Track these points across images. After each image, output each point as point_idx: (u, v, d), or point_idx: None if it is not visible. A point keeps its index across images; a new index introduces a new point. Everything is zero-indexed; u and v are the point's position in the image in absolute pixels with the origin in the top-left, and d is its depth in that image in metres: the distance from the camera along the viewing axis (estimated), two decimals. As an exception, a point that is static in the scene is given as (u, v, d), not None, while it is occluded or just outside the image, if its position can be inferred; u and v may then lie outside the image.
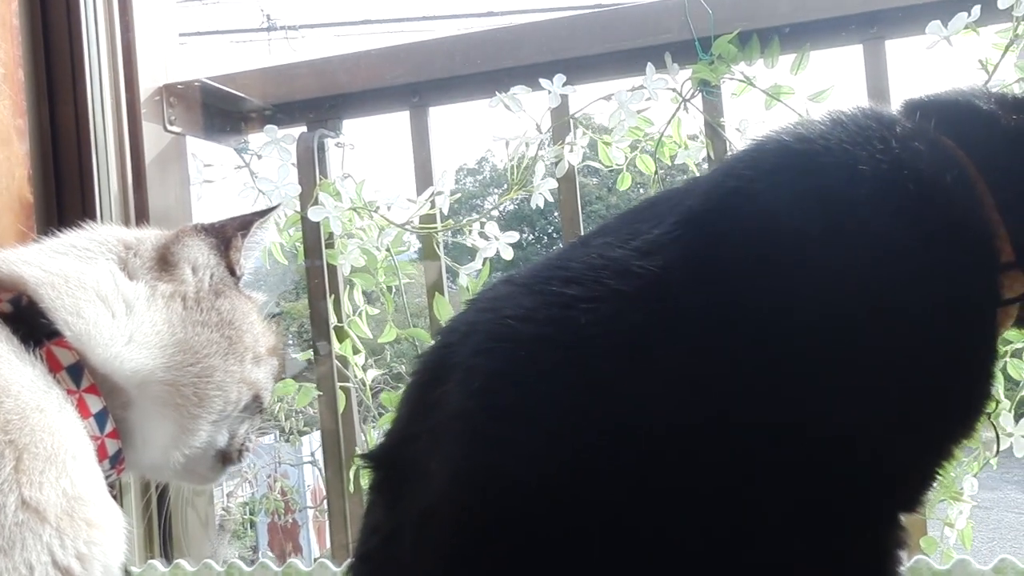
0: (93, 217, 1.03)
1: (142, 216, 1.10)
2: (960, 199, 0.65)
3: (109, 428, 0.64)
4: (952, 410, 0.65)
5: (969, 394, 0.65)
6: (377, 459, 0.74)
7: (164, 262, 0.71)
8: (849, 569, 0.62)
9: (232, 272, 0.74)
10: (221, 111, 1.26)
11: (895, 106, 0.77)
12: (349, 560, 0.78)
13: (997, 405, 1.02)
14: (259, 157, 1.27)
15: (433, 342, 0.77)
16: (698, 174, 1.20)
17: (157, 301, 0.68)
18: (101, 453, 0.64)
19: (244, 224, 0.76)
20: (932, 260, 0.64)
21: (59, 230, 0.97)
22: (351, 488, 1.18)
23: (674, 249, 0.64)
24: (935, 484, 0.68)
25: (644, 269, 0.64)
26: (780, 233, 0.63)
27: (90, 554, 0.59)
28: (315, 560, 1.00)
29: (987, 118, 0.68)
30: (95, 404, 0.64)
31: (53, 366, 0.62)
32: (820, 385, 0.59)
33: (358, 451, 1.13)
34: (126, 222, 1.07)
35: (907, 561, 0.78)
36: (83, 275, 0.66)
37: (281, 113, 1.29)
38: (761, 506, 0.59)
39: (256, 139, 1.33)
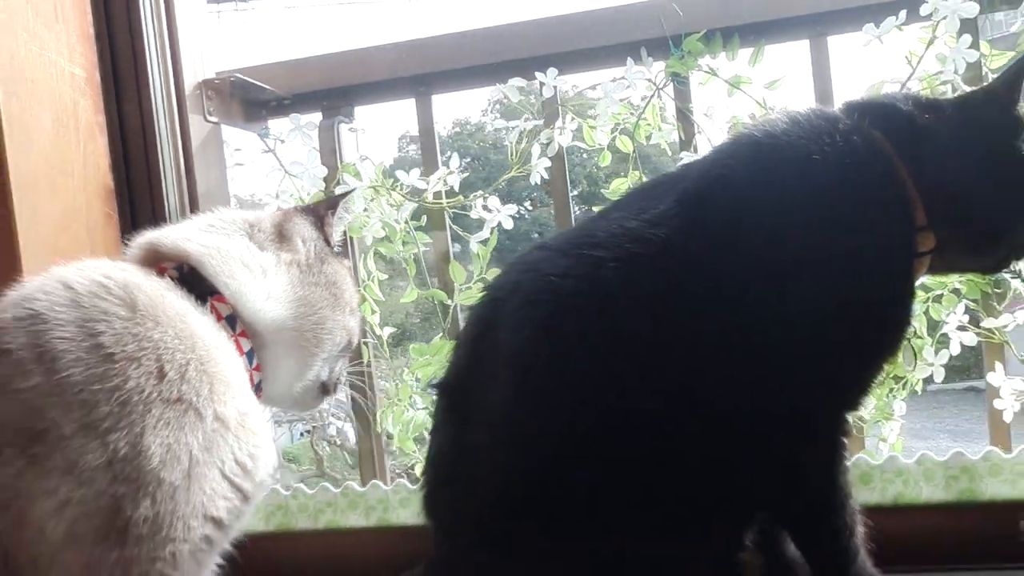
0: (159, 201, 1.23)
1: (192, 197, 1.29)
2: (888, 180, 0.90)
3: (254, 363, 0.86)
4: (882, 333, 0.91)
5: (895, 321, 0.91)
6: (445, 387, 0.97)
7: (281, 236, 0.92)
8: (817, 442, 0.88)
9: (327, 243, 0.96)
10: (246, 101, 1.45)
11: (838, 105, 1.01)
12: (422, 469, 1.01)
13: (920, 341, 1.30)
14: (282, 142, 1.47)
15: (481, 297, 0.99)
16: (669, 152, 1.44)
17: (281, 267, 0.90)
18: (250, 383, 0.85)
19: (331, 205, 0.98)
20: (869, 223, 0.89)
21: (132, 213, 1.18)
22: (378, 429, 1.40)
23: (676, 221, 0.89)
24: (870, 391, 0.94)
25: (655, 236, 0.88)
26: (755, 208, 0.88)
27: (257, 455, 0.82)
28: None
29: (906, 117, 0.94)
30: (246, 345, 0.85)
31: (217, 317, 0.84)
32: (791, 315, 0.84)
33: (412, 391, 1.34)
34: (181, 203, 1.26)
35: (851, 458, 1.04)
36: (229, 248, 0.87)
37: (299, 102, 1.48)
38: (756, 401, 0.84)
39: (276, 125, 1.53)
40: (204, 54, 1.37)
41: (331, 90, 1.48)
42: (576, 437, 0.86)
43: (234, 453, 0.79)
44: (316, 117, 1.48)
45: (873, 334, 0.90)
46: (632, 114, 1.41)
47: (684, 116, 1.40)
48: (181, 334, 0.78)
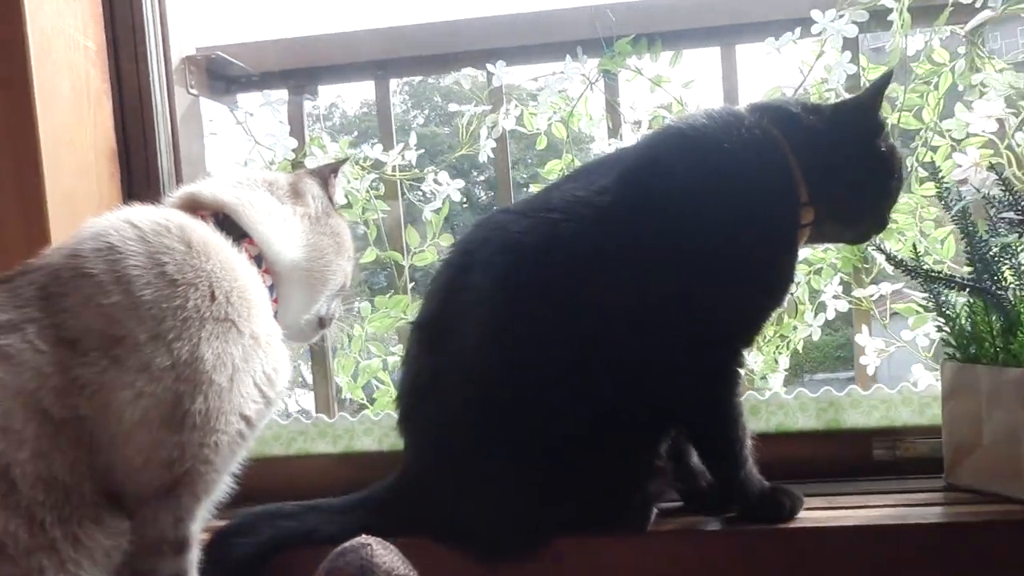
0: (153, 163, 1.39)
1: (177, 161, 1.46)
2: (780, 165, 1.16)
3: (274, 296, 1.06)
4: (772, 284, 1.17)
5: (782, 275, 1.17)
6: (420, 325, 1.19)
7: (296, 193, 1.11)
8: (720, 370, 1.14)
9: (331, 200, 1.16)
10: (221, 76, 1.61)
11: (744, 104, 1.27)
12: (398, 393, 1.23)
13: (802, 306, 1.58)
14: (251, 115, 1.65)
15: (452, 250, 1.21)
16: (596, 139, 1.68)
17: (296, 218, 1.09)
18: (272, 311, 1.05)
19: (333, 169, 1.18)
20: (765, 197, 1.14)
21: (129, 172, 1.35)
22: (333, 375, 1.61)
23: (617, 191, 1.13)
24: (762, 331, 1.20)
25: (600, 202, 1.12)
26: (680, 183, 1.12)
27: (279, 368, 1.02)
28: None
29: (796, 117, 1.19)
30: (268, 280, 1.04)
31: (248, 256, 1.03)
32: (705, 266, 1.09)
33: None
34: (170, 166, 1.43)
35: (743, 393, 1.30)
36: (256, 200, 1.06)
37: (267, 79, 1.66)
38: (674, 336, 1.09)
39: (244, 99, 1.70)
40: (187, 32, 1.53)
41: (297, 70, 1.66)
42: (536, 360, 1.09)
43: (263, 365, 0.99)
44: (283, 93, 1.67)
45: (765, 284, 1.16)
46: (567, 104, 1.64)
47: (612, 108, 1.63)
48: (225, 267, 0.98)
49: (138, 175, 1.40)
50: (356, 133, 1.75)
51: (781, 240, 1.16)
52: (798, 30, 1.48)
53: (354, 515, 1.17)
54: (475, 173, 1.59)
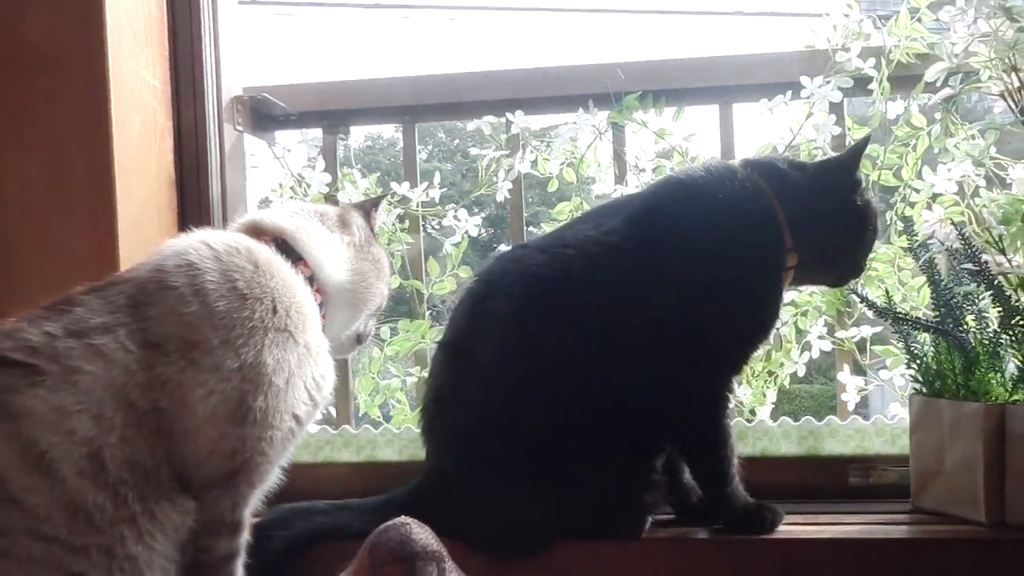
0: (205, 193, 1.56)
1: (225, 193, 1.63)
2: (767, 214, 1.32)
3: (322, 313, 1.22)
4: (759, 321, 1.33)
5: (768, 311, 1.33)
6: (445, 345, 1.35)
7: (343, 223, 1.28)
8: (711, 395, 1.30)
9: (372, 231, 1.33)
10: (263, 115, 1.79)
11: (738, 159, 1.44)
12: (422, 405, 1.38)
13: (789, 345, 1.74)
14: (288, 151, 1.83)
15: (475, 279, 1.38)
16: (601, 183, 1.84)
17: (344, 245, 1.26)
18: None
19: (374, 203, 1.35)
20: (754, 242, 1.30)
21: (183, 201, 1.52)
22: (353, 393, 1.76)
23: (624, 232, 1.29)
24: (750, 361, 1.36)
25: (608, 241, 1.29)
26: (679, 227, 1.29)
27: (326, 376, 1.17)
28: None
29: (782, 172, 1.36)
30: (318, 299, 1.21)
31: (303, 277, 1.19)
32: (699, 302, 1.25)
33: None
34: (220, 197, 1.60)
35: (732, 419, 1.45)
36: (310, 228, 1.22)
37: (303, 118, 1.84)
38: (671, 362, 1.25)
39: (281, 136, 1.87)
40: (235, 74, 1.71)
41: (331, 111, 1.83)
42: (547, 379, 1.25)
43: (313, 372, 1.15)
44: (318, 132, 1.84)
45: (753, 318, 1.32)
46: (577, 152, 1.81)
47: (619, 156, 1.79)
48: (286, 284, 1.14)
49: (191, 203, 1.56)
50: (379, 172, 1.91)
51: (767, 280, 1.32)
52: (789, 93, 1.65)
53: (379, 514, 1.30)
54: (476, 210, 1.75)
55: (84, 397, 1.01)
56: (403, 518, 0.98)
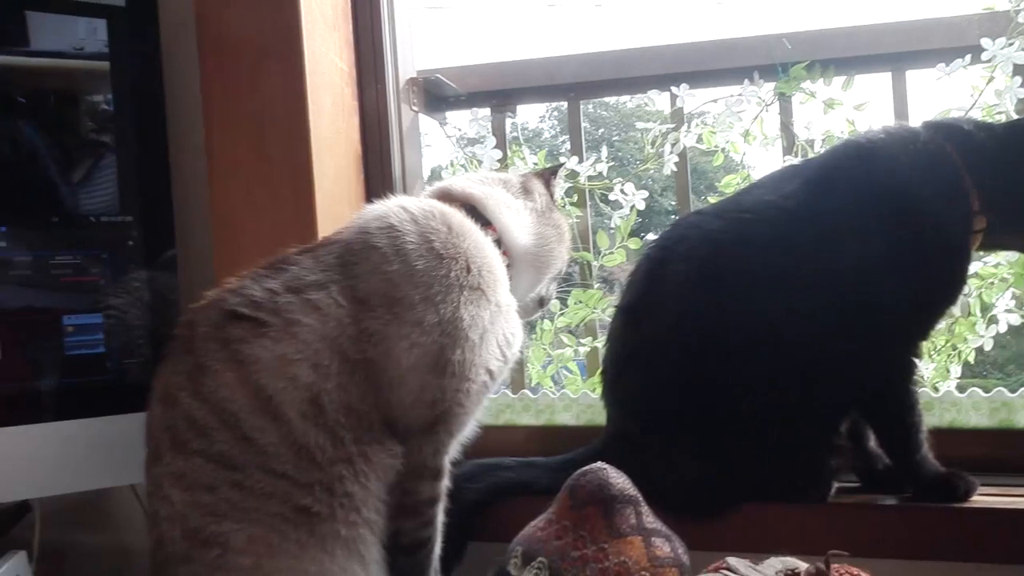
0: (388, 169, 1.66)
1: (403, 169, 1.72)
2: (952, 176, 1.28)
3: (508, 275, 1.29)
4: (945, 285, 1.30)
5: (954, 276, 1.30)
6: (624, 308, 1.39)
7: (525, 190, 1.34)
8: (898, 360, 1.28)
9: (552, 197, 1.39)
10: (436, 96, 1.87)
11: (919, 122, 1.41)
12: (601, 367, 1.42)
13: (974, 318, 1.67)
14: (458, 130, 1.91)
15: (652, 244, 1.41)
16: (771, 157, 1.83)
17: (527, 211, 1.32)
18: (508, 288, 1.28)
19: (553, 171, 1.41)
20: (939, 207, 1.28)
21: (367, 176, 1.61)
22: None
23: (802, 196, 1.29)
24: (936, 325, 1.33)
25: (787, 204, 1.29)
26: (860, 189, 1.28)
27: (515, 333, 1.24)
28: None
29: (968, 133, 1.32)
30: (505, 261, 1.28)
31: (492, 240, 1.26)
32: (883, 266, 1.23)
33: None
34: (400, 173, 1.70)
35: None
36: (496, 195, 1.29)
37: (472, 98, 1.91)
38: (857, 325, 1.24)
39: (452, 116, 1.95)
40: (410, 57, 1.80)
41: (499, 91, 1.90)
42: (728, 341, 1.27)
43: (503, 329, 1.21)
44: (486, 111, 1.91)
45: (939, 283, 1.29)
46: (743, 124, 1.80)
47: (786, 128, 1.78)
48: (478, 246, 1.21)
49: (375, 178, 1.66)
50: (546, 148, 1.97)
51: (953, 244, 1.29)
52: (968, 57, 1.59)
53: (564, 472, 1.34)
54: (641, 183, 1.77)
55: (303, 347, 1.10)
56: (600, 463, 1.02)
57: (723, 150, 1.81)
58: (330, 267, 1.15)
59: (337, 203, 1.52)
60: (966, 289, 1.59)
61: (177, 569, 1.09)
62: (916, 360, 1.32)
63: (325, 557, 1.08)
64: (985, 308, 1.65)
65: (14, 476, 1.36)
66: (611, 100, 2.28)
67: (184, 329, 1.15)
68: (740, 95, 1.78)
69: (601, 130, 1.87)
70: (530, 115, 1.84)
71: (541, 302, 1.38)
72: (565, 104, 1.92)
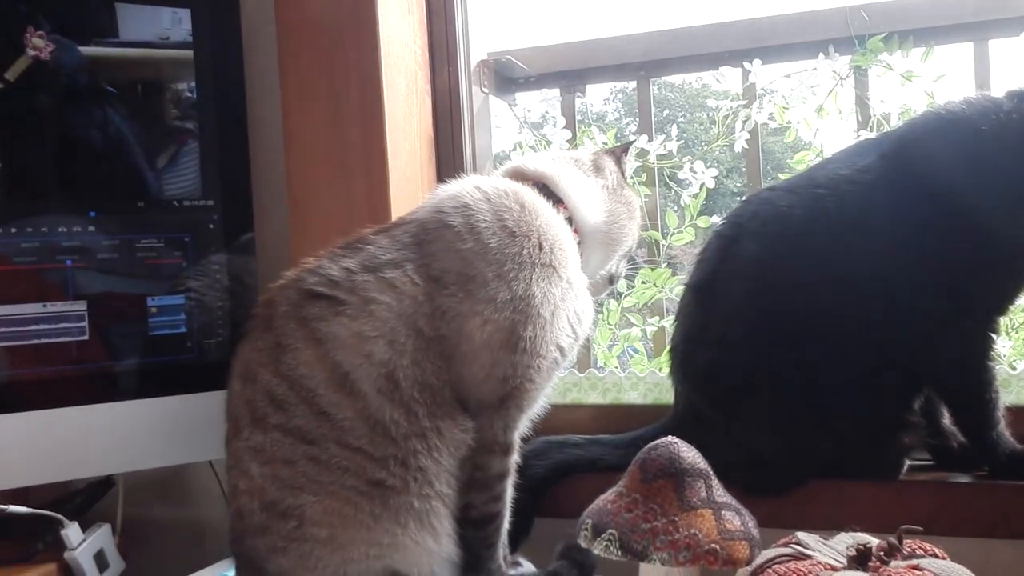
0: (459, 150, 1.69)
1: (474, 149, 1.75)
2: None
3: (580, 252, 1.30)
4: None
5: None
6: (694, 286, 1.39)
7: (596, 168, 1.36)
8: (976, 335, 1.26)
9: (623, 174, 1.40)
10: (505, 77, 1.89)
11: (1002, 92, 1.37)
12: (669, 345, 1.43)
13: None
14: (529, 111, 1.92)
15: (724, 222, 1.40)
16: (846, 132, 1.80)
17: (597, 189, 1.33)
18: (579, 265, 1.30)
19: (624, 148, 1.42)
20: (1020, 179, 1.26)
21: (439, 157, 1.64)
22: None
23: (879, 169, 1.28)
24: (1014, 303, 1.31)
25: (864, 179, 1.28)
26: (939, 162, 1.26)
27: (585, 310, 1.25)
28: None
29: None
30: (576, 239, 1.29)
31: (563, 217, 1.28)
32: (962, 239, 1.21)
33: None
34: (471, 153, 1.72)
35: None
36: (568, 173, 1.31)
37: (541, 79, 1.92)
38: (935, 302, 1.23)
39: (521, 97, 1.97)
40: (480, 39, 1.82)
41: (568, 71, 1.91)
42: (799, 317, 1.26)
43: (574, 306, 1.23)
44: (555, 92, 1.92)
45: (1018, 259, 1.27)
46: (817, 99, 1.78)
47: (862, 102, 1.75)
48: (549, 224, 1.23)
49: (446, 160, 1.69)
50: (615, 128, 1.97)
51: None
52: (1055, 25, 1.56)
53: (631, 449, 1.35)
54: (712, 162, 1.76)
55: (379, 324, 1.13)
56: (671, 437, 1.03)
57: (794, 127, 1.78)
58: (405, 246, 1.19)
59: (410, 184, 1.56)
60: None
61: (255, 540, 1.14)
62: (994, 336, 1.29)
63: (398, 529, 1.11)
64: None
65: (99, 452, 1.44)
66: (677, 81, 2.26)
67: (264, 308, 1.20)
68: (815, 69, 1.75)
69: (667, 112, 1.85)
70: (595, 98, 1.83)
71: (611, 279, 1.39)
72: (630, 86, 1.91)
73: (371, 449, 1.11)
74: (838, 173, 1.30)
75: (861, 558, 0.93)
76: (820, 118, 1.79)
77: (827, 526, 1.05)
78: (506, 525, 1.26)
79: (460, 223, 1.19)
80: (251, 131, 1.54)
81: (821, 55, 1.72)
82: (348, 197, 1.53)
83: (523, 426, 1.25)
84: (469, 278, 1.16)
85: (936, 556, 0.95)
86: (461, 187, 1.24)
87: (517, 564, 1.28)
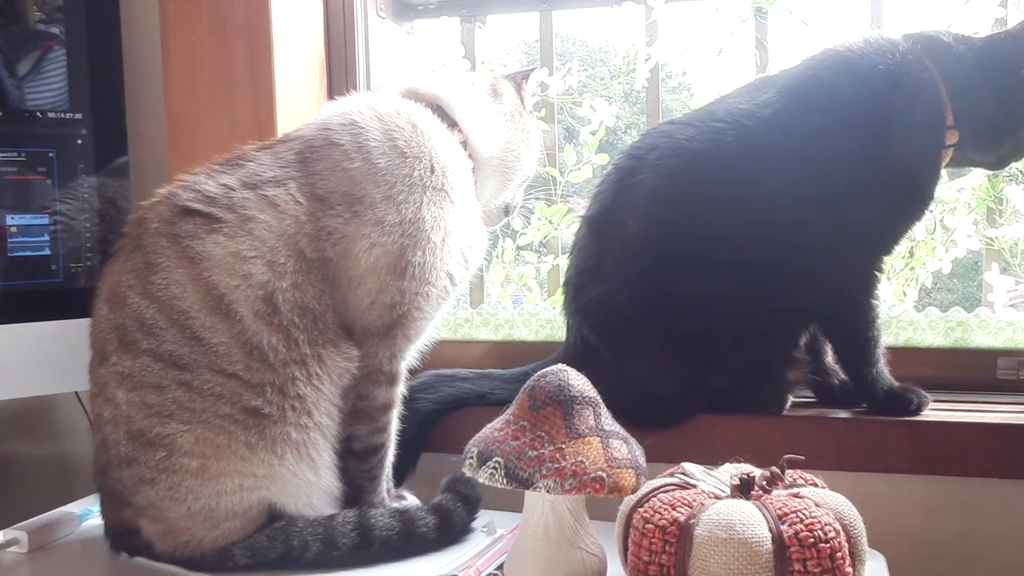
0: (352, 73, 1.61)
1: (368, 73, 1.67)
2: (928, 88, 1.26)
3: (473, 179, 1.25)
4: (913, 199, 1.29)
5: (923, 190, 1.29)
6: (591, 219, 1.36)
7: (495, 92, 1.30)
8: (861, 273, 1.28)
9: (522, 102, 1.34)
10: (402, 3, 1.81)
11: (900, 33, 1.37)
12: (565, 280, 1.40)
13: (934, 241, 1.68)
14: (426, 39, 1.84)
15: (622, 155, 1.37)
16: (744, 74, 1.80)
17: (495, 114, 1.28)
18: (472, 192, 1.25)
19: (525, 75, 1.36)
20: (913, 119, 1.25)
21: (330, 79, 1.56)
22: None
23: (778, 104, 1.26)
24: (899, 241, 1.33)
25: (762, 114, 1.26)
26: (836, 98, 1.25)
27: (478, 238, 1.21)
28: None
29: (947, 45, 1.30)
30: (470, 164, 1.24)
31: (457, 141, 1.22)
32: (853, 180, 1.22)
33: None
34: (366, 78, 1.64)
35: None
36: (465, 97, 1.24)
37: (443, 7, 1.85)
38: (820, 238, 1.24)
39: (420, 25, 1.89)
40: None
41: (469, 1, 1.84)
42: (693, 251, 1.25)
43: (467, 234, 1.19)
44: (455, 21, 1.85)
45: (907, 197, 1.28)
46: (718, 40, 1.76)
47: (761, 45, 1.76)
48: (443, 146, 1.17)
49: (338, 84, 1.61)
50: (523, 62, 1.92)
51: (924, 157, 1.28)
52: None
53: (521, 384, 1.32)
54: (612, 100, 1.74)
55: (258, 244, 1.06)
56: (561, 365, 1.01)
57: (696, 66, 1.77)
58: (289, 163, 1.12)
59: (299, 106, 1.48)
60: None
61: (120, 472, 1.07)
62: (878, 274, 1.31)
63: (274, 460, 1.06)
64: (945, 232, 1.65)
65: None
66: (581, 36, 2.22)
67: (133, 227, 1.12)
68: (717, 9, 1.73)
69: (573, 59, 1.81)
70: (497, 50, 1.78)
71: (507, 209, 1.35)
72: (532, 36, 1.86)
73: (247, 375, 1.05)
74: (738, 107, 1.29)
75: (744, 487, 0.92)
76: (721, 59, 1.77)
77: (713, 458, 1.04)
78: (390, 458, 1.22)
79: (348, 141, 1.12)
80: (126, 42, 1.42)
81: (724, -6, 1.70)
82: (232, 117, 1.44)
83: (410, 356, 1.20)
84: (356, 199, 1.11)
85: (816, 486, 0.95)
86: (350, 104, 1.17)
87: (401, 497, 1.25)
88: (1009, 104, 1.29)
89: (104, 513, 1.14)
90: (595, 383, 1.24)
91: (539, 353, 1.52)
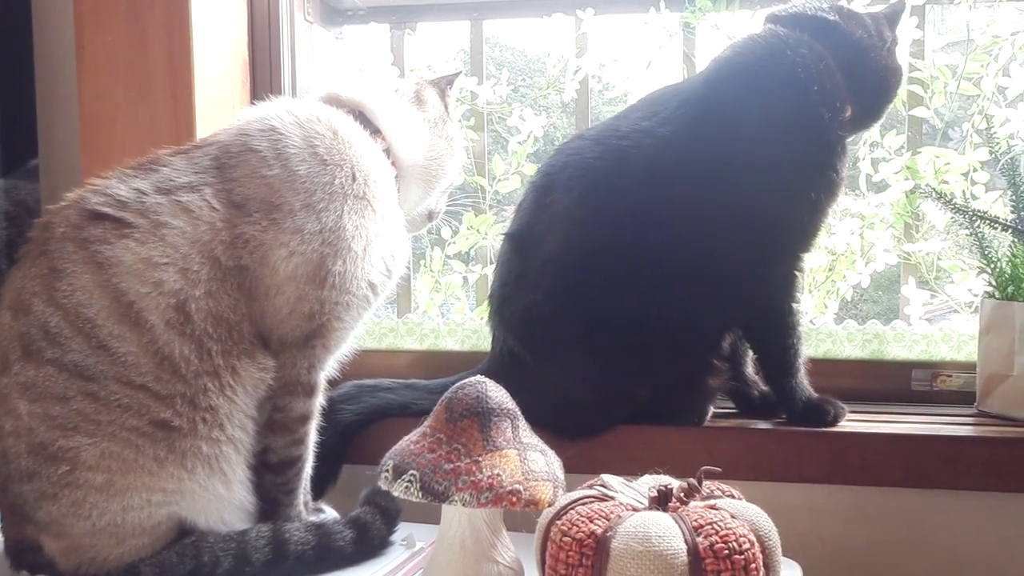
0: (276, 77, 1.57)
1: (294, 77, 1.64)
2: (825, 73, 1.26)
3: (396, 187, 1.23)
4: (824, 181, 1.28)
5: (832, 172, 1.28)
6: (512, 235, 1.36)
7: (419, 99, 1.28)
8: (779, 274, 1.29)
9: (446, 108, 1.33)
10: (331, 8, 1.79)
11: (780, 23, 1.36)
12: (489, 293, 1.39)
13: (853, 255, 1.71)
14: (355, 45, 1.82)
15: (537, 173, 1.37)
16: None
17: (419, 121, 1.26)
18: (395, 199, 1.23)
19: (449, 81, 1.34)
20: (813, 102, 1.25)
21: (254, 83, 1.53)
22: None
23: (679, 119, 1.27)
24: (818, 235, 1.34)
25: (663, 132, 1.27)
26: (735, 108, 1.26)
27: (401, 248, 1.19)
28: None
29: (834, 26, 1.30)
30: (393, 172, 1.22)
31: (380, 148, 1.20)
32: (763, 182, 1.23)
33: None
34: (291, 82, 1.61)
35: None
36: (387, 103, 1.22)
37: (372, 13, 1.83)
38: (735, 244, 1.25)
39: (349, 31, 1.87)
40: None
41: (399, 7, 1.83)
42: (610, 265, 1.25)
43: (389, 243, 1.17)
44: (385, 28, 1.84)
45: (817, 183, 1.28)
46: (646, 53, 1.78)
47: (688, 59, 1.78)
48: (364, 154, 1.15)
49: (262, 87, 1.57)
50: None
51: (832, 143, 1.29)
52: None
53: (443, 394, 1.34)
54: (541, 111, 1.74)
55: (171, 251, 1.03)
56: (479, 377, 0.99)
57: (624, 79, 1.79)
58: (205, 169, 1.09)
59: (219, 109, 1.44)
60: (848, 230, 1.64)
61: (21, 487, 1.02)
62: (799, 275, 1.33)
63: (184, 474, 1.03)
64: (864, 247, 1.69)
65: None
66: (518, 46, 2.22)
67: (39, 231, 1.08)
68: (645, 23, 1.75)
69: (504, 68, 1.81)
70: (430, 57, 1.77)
71: (430, 216, 1.34)
72: (465, 46, 1.86)
73: (156, 387, 1.02)
74: (640, 125, 1.29)
75: (662, 499, 0.92)
76: (649, 72, 1.79)
77: (633, 470, 1.04)
78: (308, 471, 1.19)
79: (266, 147, 1.10)
80: (37, 39, 1.37)
81: (652, 9, 1.72)
82: (149, 119, 1.40)
83: (330, 367, 1.18)
84: (274, 206, 1.08)
85: (733, 497, 0.96)
86: (269, 110, 1.15)
87: (319, 511, 1.22)
88: (886, 80, 1.34)
89: (4, 529, 1.09)
90: (520, 394, 1.24)
91: (465, 363, 1.50)
